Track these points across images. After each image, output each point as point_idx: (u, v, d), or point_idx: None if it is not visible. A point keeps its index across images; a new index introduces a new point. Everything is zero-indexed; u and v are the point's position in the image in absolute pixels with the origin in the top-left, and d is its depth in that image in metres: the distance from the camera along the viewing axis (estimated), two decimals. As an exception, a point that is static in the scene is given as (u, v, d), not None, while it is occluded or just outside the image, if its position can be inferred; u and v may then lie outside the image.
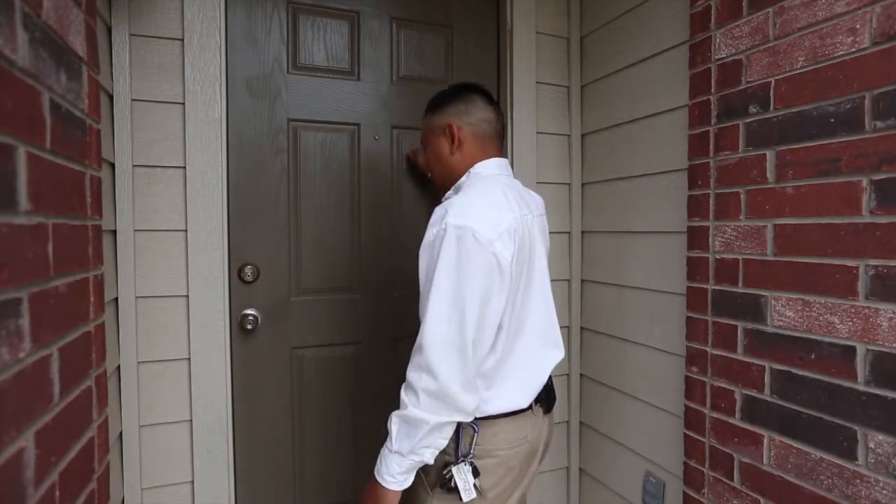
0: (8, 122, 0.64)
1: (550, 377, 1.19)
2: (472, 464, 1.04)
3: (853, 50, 0.98)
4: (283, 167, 1.63)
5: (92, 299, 0.97)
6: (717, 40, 1.26)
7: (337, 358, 1.71)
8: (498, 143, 1.19)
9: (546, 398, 1.17)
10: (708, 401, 1.29)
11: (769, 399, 1.14)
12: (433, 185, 1.30)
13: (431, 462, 1.00)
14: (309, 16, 1.66)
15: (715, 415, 1.27)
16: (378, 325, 1.75)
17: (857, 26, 0.97)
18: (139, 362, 1.41)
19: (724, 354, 1.25)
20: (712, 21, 1.27)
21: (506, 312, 1.04)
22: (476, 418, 1.05)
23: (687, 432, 1.36)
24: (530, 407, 1.11)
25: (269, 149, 1.62)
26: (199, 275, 1.46)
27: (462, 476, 1.03)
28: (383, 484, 1.00)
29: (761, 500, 1.16)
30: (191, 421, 1.46)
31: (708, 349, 1.29)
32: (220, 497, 1.50)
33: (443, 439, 1.00)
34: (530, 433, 1.12)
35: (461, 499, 1.02)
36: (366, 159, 1.72)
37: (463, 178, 1.16)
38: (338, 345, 1.71)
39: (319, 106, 1.67)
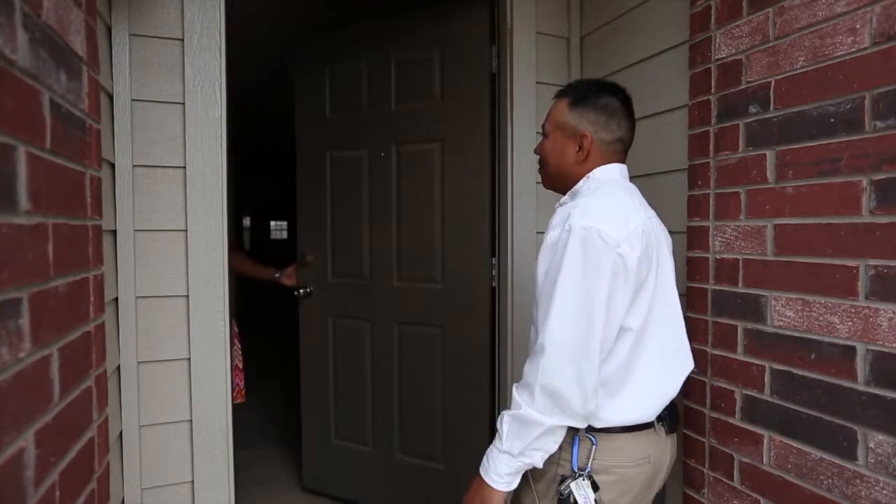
0: (8, 122, 0.64)
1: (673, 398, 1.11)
2: (591, 478, 0.99)
3: (853, 50, 0.98)
4: (325, 185, 2.26)
5: (92, 299, 0.97)
6: (717, 40, 1.26)
7: (356, 329, 2.23)
8: (623, 155, 1.15)
9: (669, 416, 1.09)
10: (708, 401, 1.29)
11: (769, 399, 1.14)
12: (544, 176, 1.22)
13: (540, 466, 0.98)
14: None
15: (715, 415, 1.27)
16: (382, 309, 2.16)
17: (857, 26, 0.97)
18: (139, 362, 1.41)
19: (724, 354, 1.25)
20: (712, 21, 1.27)
21: (632, 316, 1.00)
22: (594, 429, 1.01)
23: (687, 432, 1.36)
24: (653, 424, 1.05)
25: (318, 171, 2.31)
26: (200, 275, 1.46)
27: (582, 492, 0.97)
28: (490, 483, 0.98)
29: (761, 500, 1.16)
30: (191, 421, 1.46)
31: (708, 349, 1.29)
32: (220, 497, 1.50)
33: (554, 444, 0.97)
34: (653, 453, 1.04)
35: None
36: (376, 174, 2.14)
37: (581, 183, 1.12)
38: (356, 319, 2.23)
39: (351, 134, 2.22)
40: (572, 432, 1.01)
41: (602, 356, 0.97)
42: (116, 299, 1.38)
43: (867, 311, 0.96)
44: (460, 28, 1.94)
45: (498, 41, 1.84)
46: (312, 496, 2.41)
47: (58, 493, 0.77)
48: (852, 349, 0.98)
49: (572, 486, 0.98)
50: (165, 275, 1.43)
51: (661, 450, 1.07)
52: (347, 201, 2.20)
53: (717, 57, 1.26)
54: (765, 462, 1.15)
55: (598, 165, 1.11)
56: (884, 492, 0.93)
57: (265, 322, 6.41)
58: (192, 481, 1.47)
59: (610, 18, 1.69)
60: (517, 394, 0.98)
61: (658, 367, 1.04)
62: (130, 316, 1.39)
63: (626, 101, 1.12)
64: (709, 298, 1.29)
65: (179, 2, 1.43)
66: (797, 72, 1.08)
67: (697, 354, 1.32)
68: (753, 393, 1.17)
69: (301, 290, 2.29)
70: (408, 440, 2.12)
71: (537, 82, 1.81)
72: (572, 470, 1.00)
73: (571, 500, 0.97)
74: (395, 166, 2.09)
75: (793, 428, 1.09)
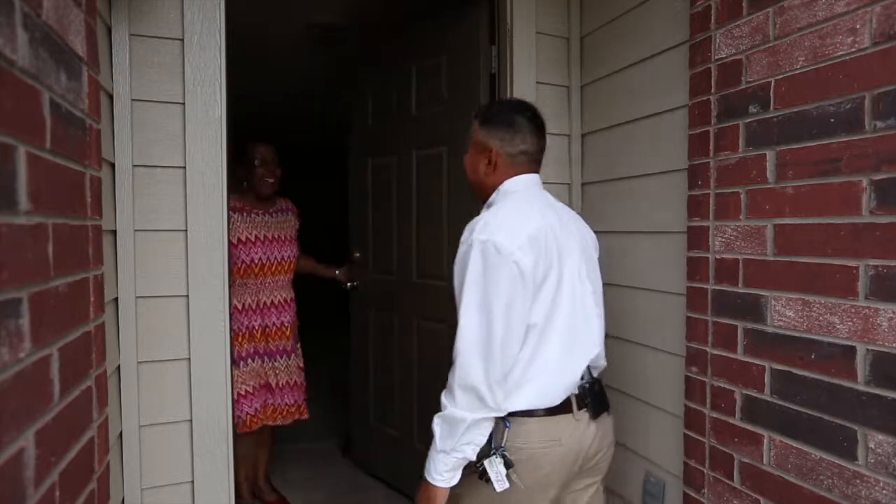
0: (8, 122, 0.64)
1: (601, 384, 1.24)
2: (504, 456, 1.10)
3: (853, 50, 0.98)
4: (367, 189, 2.54)
5: (92, 299, 0.97)
6: (717, 40, 1.26)
7: (387, 322, 2.42)
8: (534, 165, 1.27)
9: (592, 403, 1.18)
10: (708, 401, 1.29)
11: (769, 399, 1.14)
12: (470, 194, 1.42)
13: (473, 458, 1.09)
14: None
15: (715, 415, 1.27)
16: (405, 303, 2.32)
17: (857, 26, 0.97)
18: (139, 362, 1.41)
19: (725, 354, 1.25)
20: (712, 21, 1.27)
21: (534, 313, 1.11)
22: (510, 414, 1.11)
23: (687, 432, 1.36)
24: (571, 410, 1.15)
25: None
26: (199, 275, 1.46)
27: (494, 468, 1.09)
28: (432, 482, 1.10)
29: (761, 500, 1.16)
30: (191, 421, 1.46)
31: (708, 349, 1.29)
32: (220, 497, 1.50)
33: (482, 436, 1.09)
34: (565, 436, 1.14)
35: (495, 489, 1.09)
36: (402, 178, 2.30)
37: (493, 195, 1.25)
38: (387, 311, 2.43)
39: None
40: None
41: (513, 351, 1.10)
42: (116, 299, 1.38)
43: (867, 311, 0.96)
44: (461, 30, 1.95)
45: (498, 41, 1.84)
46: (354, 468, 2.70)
47: (58, 493, 0.77)
48: (852, 349, 0.98)
49: (486, 462, 1.10)
50: (165, 275, 1.43)
51: (581, 433, 1.16)
52: (382, 203, 2.43)
53: (717, 57, 1.26)
54: (765, 462, 1.15)
55: (508, 177, 1.24)
56: (884, 492, 0.93)
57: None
58: (192, 481, 1.47)
59: (610, 18, 1.69)
60: (443, 398, 1.10)
61: (559, 356, 1.15)
62: (130, 316, 1.39)
63: (532, 118, 1.25)
64: (709, 298, 1.29)
65: (179, 2, 1.43)
66: (797, 72, 1.08)
67: (698, 354, 1.32)
68: (753, 393, 1.17)
69: (350, 284, 2.57)
70: (424, 429, 2.19)
71: (537, 82, 1.81)
72: (489, 449, 1.12)
73: (486, 475, 1.10)
74: (414, 170, 2.23)
75: (793, 428, 1.09)
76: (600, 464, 1.24)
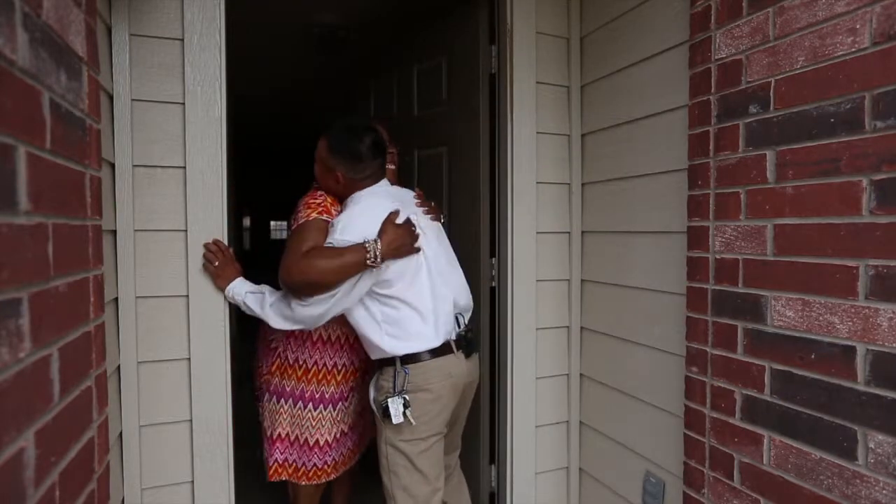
0: (8, 122, 0.64)
1: (471, 331, 1.60)
2: (403, 396, 1.41)
3: (853, 50, 0.98)
4: None
5: (92, 299, 0.97)
6: (717, 40, 1.26)
7: None
8: (380, 175, 1.56)
9: (466, 345, 1.54)
10: (708, 401, 1.29)
11: (769, 399, 1.14)
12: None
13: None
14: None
15: (715, 415, 1.27)
16: None
17: (857, 26, 0.97)
18: (139, 362, 1.41)
19: (724, 354, 1.25)
20: (712, 21, 1.27)
21: (397, 288, 1.43)
22: (406, 363, 1.43)
23: (687, 432, 1.36)
24: (452, 350, 1.49)
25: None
26: (199, 275, 1.46)
27: (395, 405, 1.40)
28: (228, 290, 1.48)
29: (761, 500, 1.16)
30: (191, 421, 1.46)
31: (708, 349, 1.29)
32: (220, 497, 1.50)
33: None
34: (454, 370, 1.48)
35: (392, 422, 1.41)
36: (405, 177, 2.18)
37: (348, 200, 1.53)
38: None
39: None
40: (392, 369, 1.44)
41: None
42: (116, 299, 1.38)
43: (867, 311, 0.96)
44: (461, 31, 1.95)
45: (498, 41, 1.84)
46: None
47: (58, 493, 0.77)
48: (852, 349, 0.98)
49: (389, 401, 1.41)
50: (165, 275, 1.43)
51: (461, 368, 1.51)
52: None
53: (717, 57, 1.26)
54: (765, 462, 1.15)
55: (357, 190, 1.52)
56: (884, 492, 0.93)
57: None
58: (192, 481, 1.47)
59: (610, 18, 1.69)
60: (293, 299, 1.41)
61: (418, 318, 1.45)
62: (130, 316, 1.39)
63: (373, 145, 1.51)
64: (709, 298, 1.29)
65: (179, 2, 1.43)
66: (797, 72, 1.08)
67: (698, 354, 1.32)
68: (753, 393, 1.17)
69: None
70: None
71: (537, 82, 1.81)
72: (392, 391, 1.43)
73: (388, 411, 1.40)
74: (416, 170, 2.23)
75: (793, 428, 1.09)
76: (473, 390, 1.63)
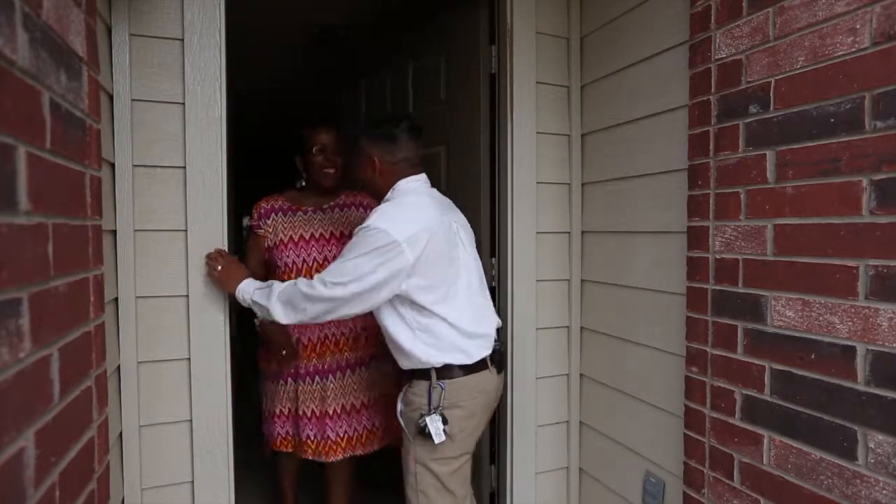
0: (8, 122, 0.64)
1: (500, 348, 1.54)
2: (441, 413, 1.36)
3: (853, 50, 0.98)
4: None
5: (92, 299, 0.97)
6: (717, 40, 1.26)
7: None
8: (418, 167, 1.52)
9: (498, 362, 1.50)
10: (708, 401, 1.29)
11: (769, 399, 1.14)
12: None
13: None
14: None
15: (715, 415, 1.27)
16: None
17: (857, 26, 0.97)
18: (139, 362, 1.41)
19: (724, 354, 1.25)
20: (712, 21, 1.27)
21: (434, 291, 1.37)
22: (442, 378, 1.38)
23: (687, 432, 1.36)
24: (487, 366, 1.43)
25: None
26: (199, 275, 1.46)
27: (434, 424, 1.34)
28: (238, 292, 1.46)
29: (761, 500, 1.16)
30: (191, 421, 1.46)
31: (708, 349, 1.29)
32: (220, 497, 1.50)
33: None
34: (487, 386, 1.45)
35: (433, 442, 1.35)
36: None
37: (389, 193, 1.46)
38: None
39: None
40: (426, 383, 1.38)
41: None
42: (116, 299, 1.38)
43: (867, 311, 0.96)
44: (461, 30, 1.94)
45: (498, 41, 1.83)
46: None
47: (58, 493, 0.77)
48: (852, 349, 0.98)
49: (427, 419, 1.34)
50: (165, 275, 1.43)
51: (493, 384, 1.48)
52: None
53: (717, 57, 1.26)
54: (765, 462, 1.15)
55: (397, 179, 1.46)
56: (884, 492, 0.93)
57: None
58: (192, 481, 1.47)
59: (610, 18, 1.69)
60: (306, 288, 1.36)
61: (455, 331, 1.39)
62: (130, 316, 1.39)
63: (409, 129, 1.48)
64: (709, 298, 1.29)
65: (179, 2, 1.43)
66: (797, 72, 1.08)
67: (698, 354, 1.32)
68: (753, 393, 1.17)
69: None
70: None
71: (537, 82, 1.81)
72: (428, 409, 1.36)
73: (427, 430, 1.34)
74: None
75: (793, 428, 1.09)
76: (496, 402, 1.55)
